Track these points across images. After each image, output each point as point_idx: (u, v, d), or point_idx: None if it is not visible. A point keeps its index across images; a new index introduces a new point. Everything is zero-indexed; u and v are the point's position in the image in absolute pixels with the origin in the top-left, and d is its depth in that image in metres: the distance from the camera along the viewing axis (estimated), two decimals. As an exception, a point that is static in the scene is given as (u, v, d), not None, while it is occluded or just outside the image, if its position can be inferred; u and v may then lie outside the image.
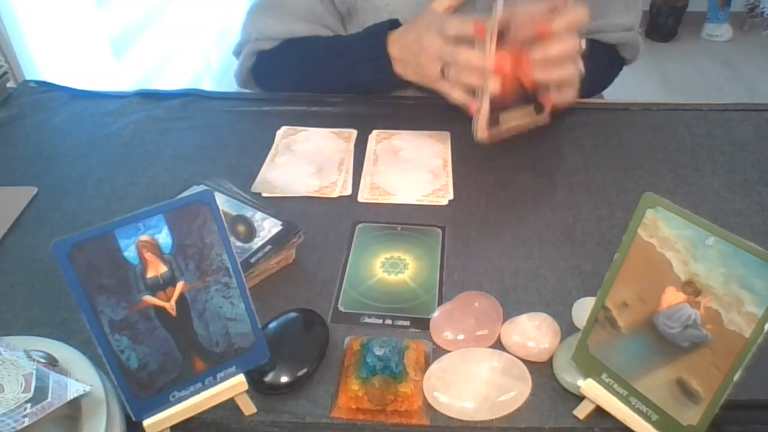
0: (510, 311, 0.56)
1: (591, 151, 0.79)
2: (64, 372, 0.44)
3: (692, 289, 0.41)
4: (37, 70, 1.12)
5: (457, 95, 0.74)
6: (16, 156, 0.80)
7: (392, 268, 0.63)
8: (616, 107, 0.87)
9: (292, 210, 0.69)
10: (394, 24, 0.82)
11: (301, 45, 0.88)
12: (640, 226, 0.43)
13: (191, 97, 0.91)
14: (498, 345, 0.54)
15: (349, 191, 0.73)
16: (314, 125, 0.84)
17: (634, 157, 0.78)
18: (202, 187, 0.65)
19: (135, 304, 0.42)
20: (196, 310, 0.45)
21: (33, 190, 0.73)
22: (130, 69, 1.44)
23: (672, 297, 0.42)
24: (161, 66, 1.61)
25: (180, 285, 0.44)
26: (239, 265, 0.45)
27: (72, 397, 0.41)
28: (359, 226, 0.68)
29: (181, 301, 0.44)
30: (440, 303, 0.58)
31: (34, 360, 0.42)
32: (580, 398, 0.49)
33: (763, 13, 3.18)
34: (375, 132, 0.83)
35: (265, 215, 0.63)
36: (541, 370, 0.52)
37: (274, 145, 0.81)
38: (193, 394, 0.46)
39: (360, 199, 0.72)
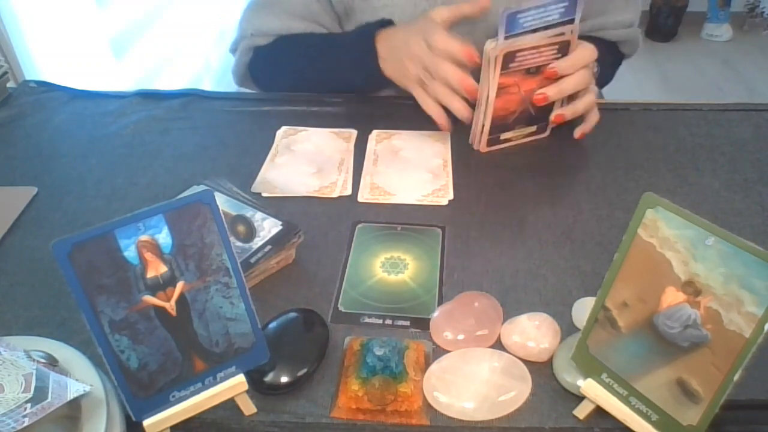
0: (510, 311, 0.56)
1: (591, 151, 0.79)
2: (64, 372, 0.44)
3: (692, 289, 0.41)
4: (37, 70, 1.12)
5: (430, 107, 0.75)
6: (16, 156, 0.80)
7: (392, 268, 0.63)
8: (616, 107, 0.87)
9: (292, 210, 0.69)
10: (386, 24, 0.82)
11: (293, 40, 0.88)
12: (640, 226, 0.43)
13: (191, 97, 0.91)
14: (498, 345, 0.54)
15: (349, 191, 0.73)
16: (314, 125, 0.84)
17: (634, 157, 0.78)
18: (202, 187, 0.65)
19: (135, 304, 0.42)
20: (196, 310, 0.45)
21: (33, 190, 0.73)
22: (130, 69, 1.44)
23: (672, 297, 0.42)
24: (161, 66, 1.61)
25: (180, 285, 0.44)
26: (239, 265, 0.45)
27: (72, 397, 0.41)
28: (359, 226, 0.68)
29: (181, 301, 0.44)
30: (440, 303, 0.58)
31: (34, 360, 0.42)
32: (580, 398, 0.49)
33: (763, 13, 3.18)
34: (375, 132, 0.83)
35: (265, 215, 0.63)
36: (541, 370, 0.52)
37: (274, 145, 0.81)
38: (193, 394, 0.46)
39: (360, 199, 0.72)
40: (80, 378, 0.44)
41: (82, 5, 1.27)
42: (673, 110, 0.87)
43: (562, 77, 0.72)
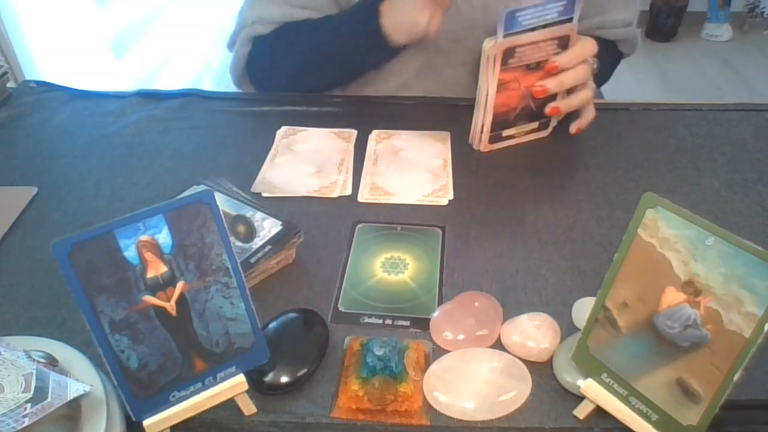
0: (510, 311, 0.56)
1: (591, 151, 0.79)
2: (64, 372, 0.44)
3: (692, 289, 0.41)
4: (37, 70, 1.12)
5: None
6: (16, 156, 0.80)
7: (392, 268, 0.63)
8: (616, 107, 0.87)
9: (292, 210, 0.69)
10: None
11: (296, 26, 0.87)
12: (640, 226, 0.43)
13: (191, 97, 0.91)
14: (498, 345, 0.54)
15: (349, 191, 0.73)
16: (314, 125, 0.84)
17: (634, 157, 0.78)
18: (202, 187, 0.65)
19: (135, 304, 0.42)
20: (196, 310, 0.45)
21: (33, 190, 0.73)
22: (130, 69, 1.44)
23: (672, 297, 0.42)
24: (161, 66, 1.61)
25: (180, 285, 0.44)
26: (239, 265, 0.45)
27: (72, 397, 0.41)
28: (359, 226, 0.68)
29: (181, 301, 0.44)
30: (440, 303, 0.58)
31: (34, 360, 0.42)
32: (580, 398, 0.49)
33: (763, 13, 3.18)
34: (375, 132, 0.83)
35: (265, 215, 0.63)
36: (541, 370, 0.52)
37: (274, 145, 0.81)
38: (193, 394, 0.46)
39: (360, 199, 0.72)
40: (80, 378, 0.44)
41: (82, 5, 1.27)
42: (673, 110, 0.87)
43: (562, 71, 0.73)
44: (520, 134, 0.79)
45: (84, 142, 0.82)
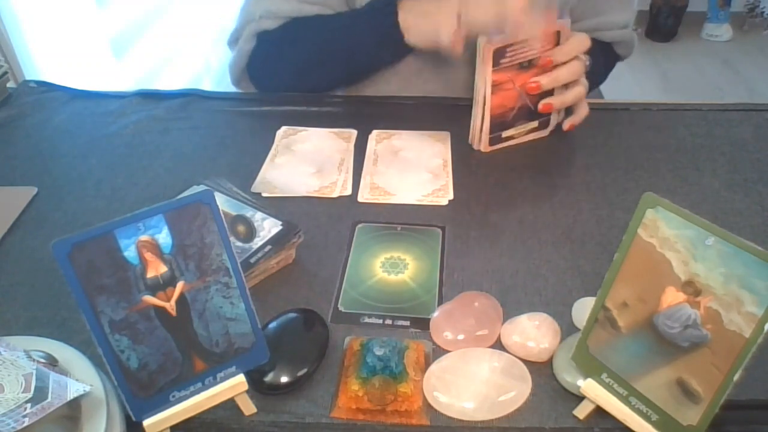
0: (510, 311, 0.56)
1: (591, 151, 0.79)
2: (64, 372, 0.44)
3: (692, 289, 0.41)
4: (37, 70, 1.12)
5: (446, 35, 0.72)
6: (16, 156, 0.80)
7: (392, 268, 0.63)
8: (616, 107, 0.87)
9: (292, 210, 0.69)
10: None
11: (306, 21, 0.87)
12: (640, 226, 0.43)
13: (191, 97, 0.91)
14: (498, 345, 0.54)
15: (349, 191, 0.73)
16: (314, 125, 0.84)
17: (634, 157, 0.78)
18: (202, 187, 0.65)
19: (135, 304, 0.42)
20: (196, 310, 0.45)
21: (33, 190, 0.73)
22: (130, 69, 1.44)
23: (672, 297, 0.42)
24: (161, 66, 1.61)
25: (180, 285, 0.44)
26: (239, 265, 0.45)
27: (72, 397, 0.41)
28: (359, 226, 0.68)
29: (181, 301, 0.44)
30: (440, 303, 0.58)
31: (34, 360, 0.42)
32: (580, 398, 0.49)
33: (763, 13, 3.18)
34: (375, 132, 0.83)
35: (265, 215, 0.63)
36: (541, 370, 0.52)
37: (274, 145, 0.81)
38: (193, 394, 0.46)
39: (360, 199, 0.72)
40: (80, 378, 0.44)
41: (82, 5, 1.27)
42: (673, 110, 0.87)
43: (556, 66, 0.73)
44: (520, 134, 0.79)
45: (84, 142, 0.82)
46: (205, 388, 0.46)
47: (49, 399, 0.40)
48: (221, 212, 0.44)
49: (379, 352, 0.52)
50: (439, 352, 0.54)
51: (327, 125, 0.84)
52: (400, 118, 0.85)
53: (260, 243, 0.60)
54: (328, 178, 0.75)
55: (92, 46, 1.31)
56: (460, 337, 0.54)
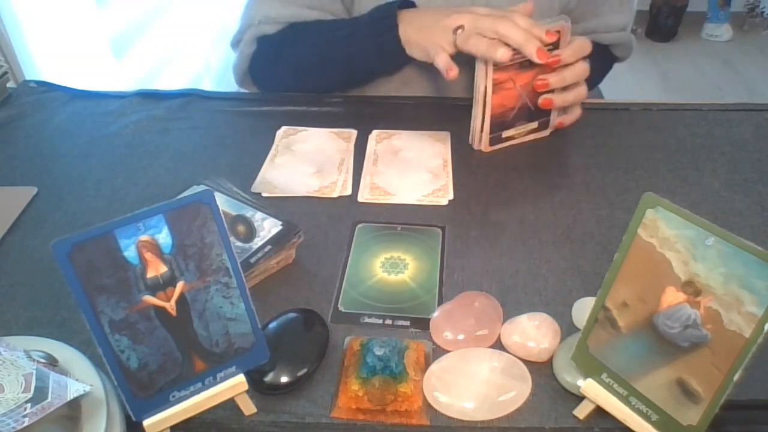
0: (510, 311, 0.56)
1: (591, 151, 0.79)
2: (64, 372, 0.44)
3: (692, 289, 0.41)
4: (37, 70, 1.12)
5: (441, 58, 0.73)
6: (16, 156, 0.80)
7: (392, 268, 0.63)
8: (616, 107, 0.87)
9: (292, 210, 0.69)
10: (406, 5, 0.81)
11: (306, 26, 0.87)
12: (640, 226, 0.43)
13: (191, 97, 0.91)
14: (498, 345, 0.54)
15: (349, 191, 0.73)
16: (314, 125, 0.84)
17: (634, 157, 0.78)
18: (202, 187, 0.65)
19: (135, 304, 0.42)
20: (196, 310, 0.45)
21: (33, 190, 0.73)
22: (130, 69, 1.44)
23: (672, 297, 0.42)
24: (161, 66, 1.61)
25: (180, 285, 0.44)
26: (239, 265, 0.45)
27: (72, 397, 0.41)
28: (359, 226, 0.68)
29: (181, 301, 0.44)
30: (440, 303, 0.58)
31: (34, 360, 0.42)
32: (580, 398, 0.49)
33: (763, 13, 3.18)
34: (375, 132, 0.83)
35: (265, 215, 0.63)
36: (541, 370, 0.52)
37: (274, 145, 0.81)
38: (193, 394, 0.46)
39: (360, 199, 0.72)
40: (80, 378, 0.44)
41: (82, 5, 1.27)
42: (673, 110, 0.87)
43: (563, 66, 0.73)
44: (520, 134, 0.79)
45: (84, 142, 0.82)
46: (205, 388, 0.46)
47: (49, 399, 0.40)
48: (221, 212, 0.44)
49: (379, 352, 0.52)
50: (439, 352, 0.54)
51: (327, 125, 0.84)
52: (400, 118, 0.85)
53: (260, 243, 0.60)
54: (328, 178, 0.75)
55: (92, 46, 1.31)
56: (460, 337, 0.54)
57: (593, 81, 0.99)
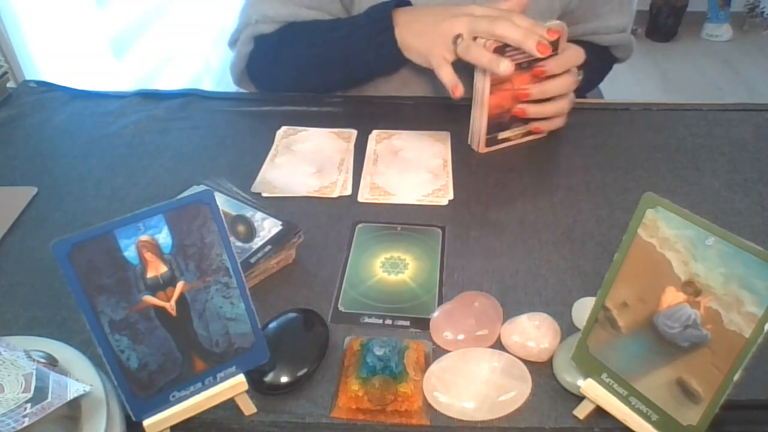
0: (510, 311, 0.56)
1: (591, 151, 0.79)
2: (64, 372, 0.44)
3: (692, 289, 0.41)
4: (37, 70, 1.12)
5: (445, 72, 0.73)
6: (16, 156, 0.80)
7: (392, 268, 0.63)
8: (616, 107, 0.87)
9: (292, 210, 0.69)
10: (402, 4, 0.80)
11: (303, 26, 0.87)
12: (640, 226, 0.43)
13: (191, 97, 0.91)
14: (498, 345, 0.54)
15: (349, 191, 0.73)
16: (314, 125, 0.84)
17: (634, 157, 0.78)
18: (202, 187, 0.65)
19: (135, 304, 0.42)
20: (196, 310, 0.45)
21: (33, 190, 0.73)
22: (130, 69, 1.44)
23: (672, 297, 0.42)
24: (161, 66, 1.61)
25: (180, 285, 0.44)
26: (239, 265, 0.45)
27: (72, 397, 0.41)
28: (359, 226, 0.68)
29: (181, 301, 0.44)
30: (440, 303, 0.58)
31: (34, 360, 0.42)
32: (580, 398, 0.49)
33: (763, 13, 3.18)
34: (375, 132, 0.83)
35: (265, 215, 0.63)
36: (541, 370, 0.52)
37: (274, 145, 0.81)
38: (193, 394, 0.46)
39: (360, 199, 0.72)
40: (80, 378, 0.44)
41: (82, 5, 1.27)
42: (673, 110, 0.87)
43: (548, 77, 0.73)
44: (516, 136, 0.79)
45: (84, 142, 0.82)
46: (205, 388, 0.46)
47: (49, 399, 0.40)
48: (221, 212, 0.44)
49: (379, 352, 0.52)
50: (439, 352, 0.54)
51: (327, 125, 0.84)
52: (400, 118, 0.85)
53: (260, 243, 0.60)
54: (328, 178, 0.75)
55: (92, 46, 1.31)
56: (460, 337, 0.54)
57: (593, 82, 0.99)
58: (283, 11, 0.87)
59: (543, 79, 0.73)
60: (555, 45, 0.72)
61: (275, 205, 0.68)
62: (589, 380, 0.47)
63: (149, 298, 0.43)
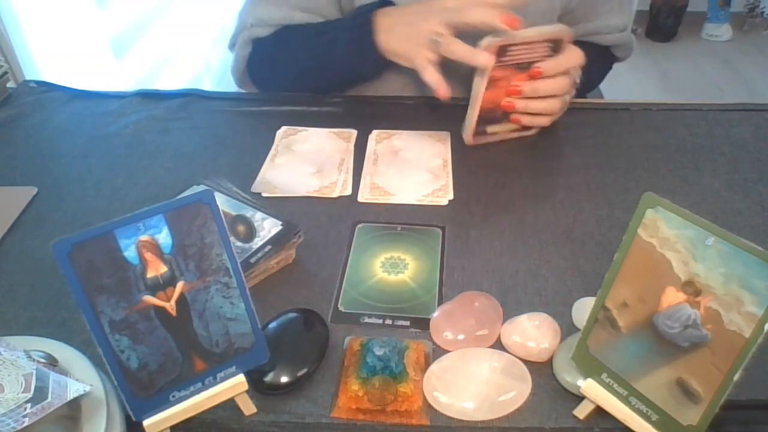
0: (510, 311, 0.56)
1: (591, 151, 0.79)
2: (64, 372, 0.44)
3: (692, 289, 0.41)
4: (37, 70, 1.12)
5: (429, 74, 0.73)
6: (16, 156, 0.80)
7: (392, 268, 0.63)
8: (616, 107, 0.87)
9: (292, 210, 0.69)
10: (386, 4, 0.80)
11: (293, 28, 0.87)
12: (640, 226, 0.43)
13: (191, 97, 0.91)
14: (498, 345, 0.54)
15: (349, 191, 0.73)
16: (314, 125, 0.84)
17: (634, 157, 0.78)
18: (202, 187, 0.65)
19: (135, 304, 0.42)
20: (196, 310, 0.45)
21: (33, 190, 0.73)
22: (130, 69, 1.44)
23: (672, 297, 0.42)
24: (161, 66, 1.61)
25: (180, 285, 0.44)
26: (239, 265, 0.45)
27: (72, 397, 0.41)
28: (359, 226, 0.68)
29: (181, 301, 0.44)
30: (440, 303, 0.58)
31: (34, 360, 0.42)
32: (580, 398, 0.49)
33: (763, 13, 3.18)
34: (375, 132, 0.83)
35: (265, 215, 0.63)
36: (541, 370, 0.52)
37: (274, 145, 0.81)
38: (193, 394, 0.46)
39: (360, 199, 0.72)
40: (80, 378, 0.44)
41: (82, 5, 1.27)
42: (673, 110, 0.87)
43: (543, 78, 0.73)
44: (504, 132, 0.79)
45: (84, 142, 0.82)
46: (205, 388, 0.46)
47: (49, 399, 0.40)
48: (221, 212, 0.44)
49: (379, 352, 0.52)
50: (439, 352, 0.54)
51: (327, 125, 0.84)
52: (400, 118, 0.85)
53: (260, 243, 0.60)
54: (328, 178, 0.75)
55: (92, 46, 1.31)
56: (460, 337, 0.54)
57: (594, 82, 0.99)
58: (277, 14, 0.87)
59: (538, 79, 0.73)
60: (557, 47, 0.72)
61: (275, 205, 0.68)
62: (589, 380, 0.47)
63: (149, 298, 0.43)
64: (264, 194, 0.72)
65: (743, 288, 0.38)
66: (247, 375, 0.48)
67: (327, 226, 0.68)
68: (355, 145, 0.81)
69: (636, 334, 0.44)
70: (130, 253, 0.42)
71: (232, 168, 0.77)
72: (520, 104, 0.76)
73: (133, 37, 1.48)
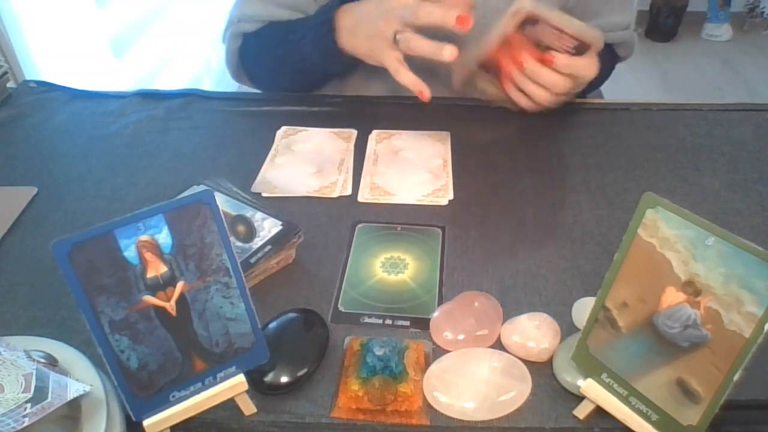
0: (510, 311, 0.56)
1: (591, 151, 0.79)
2: (64, 372, 0.44)
3: (692, 289, 0.41)
4: (37, 70, 1.12)
5: (404, 76, 0.73)
6: (16, 156, 0.80)
7: (392, 268, 0.63)
8: (616, 107, 0.87)
9: (292, 210, 0.69)
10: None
11: (272, 27, 0.88)
12: (640, 226, 0.43)
13: (191, 97, 0.91)
14: (498, 345, 0.54)
15: (349, 191, 0.73)
16: (314, 125, 0.84)
17: (634, 157, 0.78)
18: (202, 187, 0.65)
19: (135, 304, 0.42)
20: (196, 310, 0.45)
21: (33, 190, 0.73)
22: (130, 69, 1.44)
23: (672, 297, 0.42)
24: (161, 66, 1.61)
25: (180, 285, 0.44)
26: (239, 265, 0.45)
27: (72, 397, 0.41)
28: (359, 226, 0.68)
29: (181, 301, 0.44)
30: (440, 303, 0.58)
31: (34, 360, 0.42)
32: (580, 398, 0.49)
33: (763, 13, 3.18)
34: (375, 132, 0.83)
35: (265, 215, 0.63)
36: (541, 370, 0.52)
37: (274, 145, 0.81)
38: (193, 394, 0.46)
39: (360, 199, 0.72)
40: (80, 378, 0.44)
41: (82, 5, 1.27)
42: (673, 110, 0.87)
43: (552, 69, 0.73)
44: (491, 94, 0.80)
45: (84, 142, 0.82)
46: (205, 388, 0.46)
47: (49, 399, 0.40)
48: (221, 212, 0.44)
49: (379, 352, 0.52)
50: (439, 352, 0.54)
51: (327, 125, 0.84)
52: (400, 118, 0.85)
53: (260, 243, 0.60)
54: (328, 178, 0.75)
55: (92, 46, 1.31)
56: (460, 337, 0.54)
57: (594, 83, 0.99)
58: (263, 11, 0.88)
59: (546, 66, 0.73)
60: (581, 50, 0.72)
61: (275, 205, 0.68)
62: (589, 380, 0.47)
63: (149, 298, 0.43)
64: (264, 194, 0.72)
65: (743, 288, 0.38)
66: (247, 375, 0.48)
67: (327, 226, 0.68)
68: (355, 145, 0.81)
69: (636, 334, 0.44)
70: (130, 253, 0.42)
71: (232, 168, 0.77)
72: (517, 77, 0.76)
73: (133, 37, 1.49)
